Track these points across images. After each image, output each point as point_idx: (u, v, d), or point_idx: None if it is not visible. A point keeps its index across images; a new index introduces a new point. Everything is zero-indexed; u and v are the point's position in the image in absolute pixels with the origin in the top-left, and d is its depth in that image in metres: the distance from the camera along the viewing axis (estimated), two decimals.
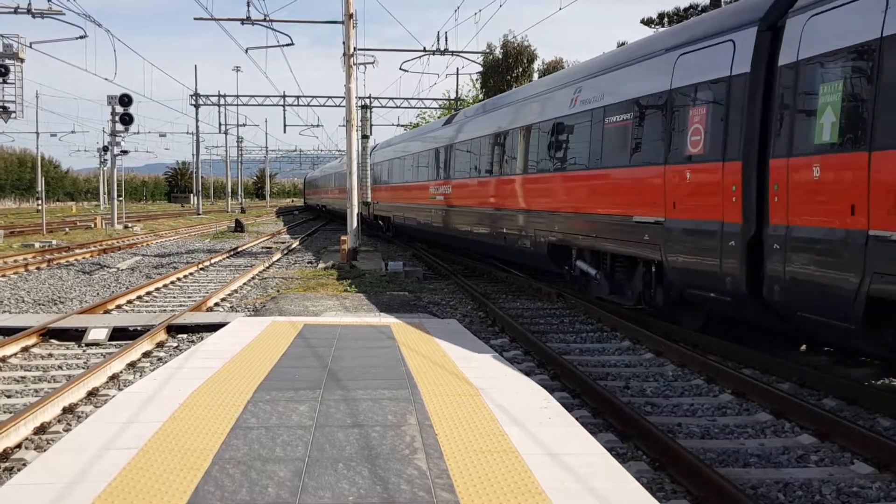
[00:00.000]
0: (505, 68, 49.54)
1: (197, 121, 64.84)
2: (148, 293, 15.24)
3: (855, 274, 6.94)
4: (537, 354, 9.51)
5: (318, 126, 70.10)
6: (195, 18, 26.40)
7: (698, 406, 7.50)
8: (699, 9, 36.87)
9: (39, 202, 44.85)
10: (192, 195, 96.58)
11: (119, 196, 56.09)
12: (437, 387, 6.72)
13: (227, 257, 23.78)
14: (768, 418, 6.99)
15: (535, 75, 49.17)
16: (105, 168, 73.69)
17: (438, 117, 50.30)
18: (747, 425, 6.86)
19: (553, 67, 47.81)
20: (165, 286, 16.47)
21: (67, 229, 38.41)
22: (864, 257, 6.84)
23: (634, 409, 7.05)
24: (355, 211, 21.02)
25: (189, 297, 14.88)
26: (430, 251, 24.55)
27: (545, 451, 4.99)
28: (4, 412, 7.09)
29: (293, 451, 4.95)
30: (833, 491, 5.31)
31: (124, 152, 42.15)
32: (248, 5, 24.89)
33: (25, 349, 9.69)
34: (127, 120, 38.26)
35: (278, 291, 15.02)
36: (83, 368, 8.88)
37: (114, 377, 8.39)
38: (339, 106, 56.65)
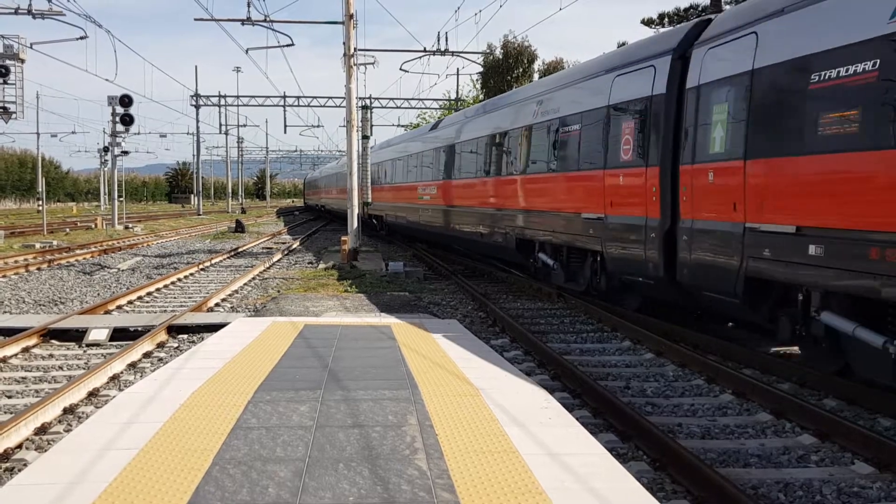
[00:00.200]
0: (505, 68, 49.54)
1: (197, 121, 64.87)
2: (148, 293, 15.25)
3: (736, 258, 8.64)
4: (538, 354, 9.51)
5: (318, 126, 70.15)
6: (195, 19, 26.41)
7: (699, 406, 7.50)
8: (699, 9, 36.84)
9: (40, 203, 44.90)
10: (192, 196, 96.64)
11: (120, 196, 56.12)
12: (437, 387, 6.72)
13: (228, 258, 23.79)
14: (769, 418, 6.99)
15: (536, 75, 49.20)
16: (105, 168, 73.77)
17: (439, 118, 50.34)
18: (748, 425, 6.86)
19: (553, 68, 47.83)
20: (166, 286, 16.47)
21: (68, 230, 38.42)
22: (742, 244, 8.54)
23: (635, 409, 7.05)
24: (356, 211, 21.00)
25: (190, 298, 14.89)
26: (431, 251, 24.59)
27: (545, 452, 5.00)
28: (5, 412, 7.09)
29: (294, 452, 4.95)
30: (833, 491, 5.31)
31: (125, 153, 42.09)
32: (249, 6, 24.89)
33: (26, 349, 9.70)
34: (127, 120, 38.27)
35: (279, 292, 15.03)
36: (84, 369, 8.89)
37: (114, 377, 8.40)
38: (339, 106, 56.73)
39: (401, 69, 35.73)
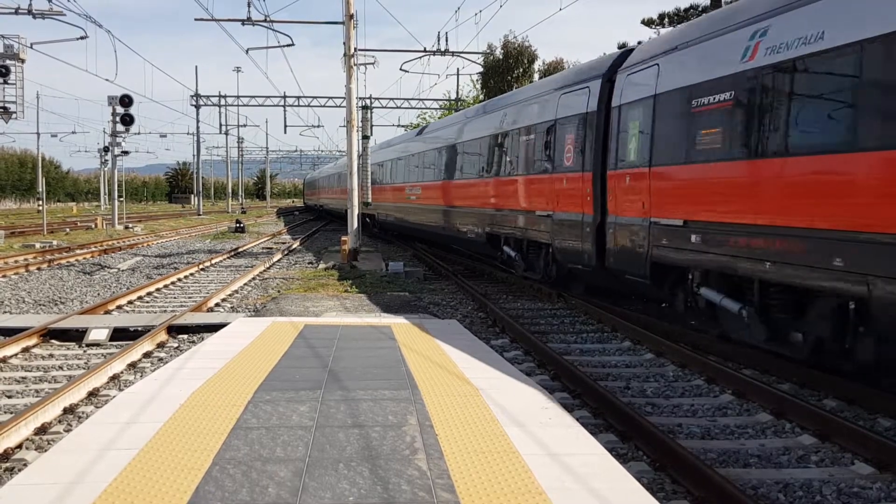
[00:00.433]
0: (505, 69, 49.51)
1: (198, 121, 64.82)
2: (149, 293, 15.25)
3: (644, 246, 10.50)
4: (538, 355, 9.51)
5: (318, 126, 69.96)
6: (196, 19, 26.39)
7: (699, 406, 7.50)
8: (699, 9, 36.81)
9: (40, 203, 44.88)
10: (192, 196, 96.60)
11: (120, 196, 56.11)
12: (437, 387, 6.72)
13: (228, 258, 23.79)
14: (769, 419, 6.99)
15: (536, 76, 49.18)
16: (106, 168, 73.79)
17: (439, 118, 50.35)
18: (748, 426, 6.86)
19: (554, 68, 47.81)
20: (166, 286, 16.48)
21: (68, 230, 38.42)
22: (648, 235, 10.42)
23: (635, 409, 7.05)
24: (356, 212, 20.98)
25: (190, 298, 14.89)
26: (431, 252, 24.60)
27: (546, 452, 5.00)
28: (5, 412, 7.09)
29: (294, 452, 4.95)
30: (833, 491, 5.31)
31: (125, 153, 42.06)
32: (249, 6, 24.90)
33: (26, 349, 9.70)
34: (128, 120, 38.25)
35: (279, 292, 15.03)
36: (84, 369, 8.89)
37: (114, 377, 8.40)
38: (339, 106, 56.67)
39: (401, 69, 35.77)
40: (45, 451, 5.45)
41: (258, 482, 4.42)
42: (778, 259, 7.79)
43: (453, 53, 32.85)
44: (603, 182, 11.90)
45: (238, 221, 40.89)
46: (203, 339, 10.09)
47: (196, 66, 64.98)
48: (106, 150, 56.29)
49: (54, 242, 28.55)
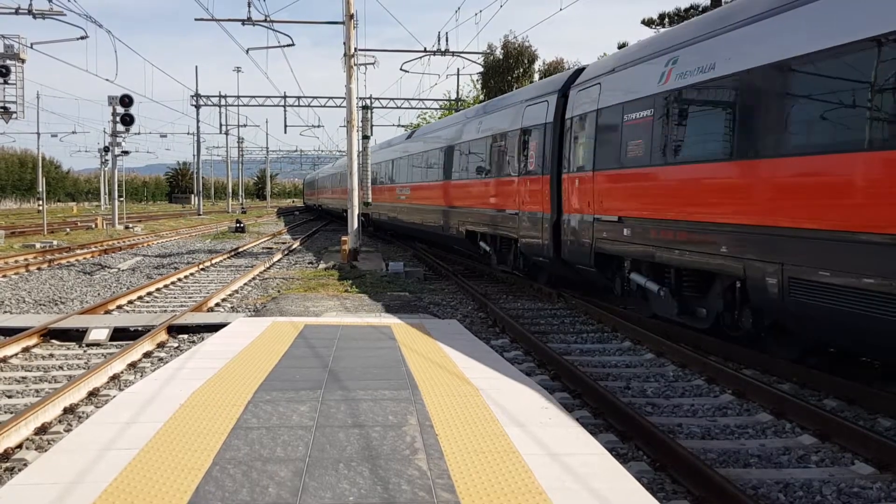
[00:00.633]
0: (505, 69, 49.54)
1: (198, 121, 64.83)
2: (149, 293, 15.25)
3: (590, 239, 12.11)
4: (538, 355, 9.51)
5: (318, 126, 69.83)
6: (196, 19, 26.37)
7: (699, 406, 7.50)
8: (700, 9, 36.80)
9: (40, 203, 44.89)
10: (192, 196, 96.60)
11: (120, 196, 56.12)
12: (437, 387, 6.72)
13: (228, 258, 23.79)
14: (769, 419, 6.99)
15: (536, 76, 49.18)
16: (106, 168, 73.75)
17: (439, 118, 50.36)
18: (748, 426, 6.86)
19: (554, 68, 47.83)
20: (166, 286, 16.48)
21: (68, 230, 38.42)
22: (592, 229, 12.02)
23: (635, 409, 7.05)
24: (356, 211, 20.98)
25: (190, 298, 14.89)
26: (431, 252, 24.62)
27: (546, 452, 5.00)
28: (5, 412, 7.09)
29: (294, 452, 4.95)
30: (834, 491, 5.31)
31: (125, 153, 42.06)
32: (249, 6, 24.86)
33: (26, 349, 9.70)
34: (128, 120, 38.23)
35: (279, 292, 15.03)
36: (84, 369, 8.89)
37: (114, 377, 8.40)
38: (339, 106, 56.66)
39: (401, 69, 35.72)
40: (46, 450, 5.45)
41: (258, 482, 4.42)
42: (683, 248, 9.51)
43: (453, 53, 32.84)
44: (559, 184, 13.54)
45: (238, 221, 40.91)
46: (203, 339, 10.10)
47: (196, 66, 65.06)
48: (106, 150, 56.34)
49: (54, 242, 28.55)
